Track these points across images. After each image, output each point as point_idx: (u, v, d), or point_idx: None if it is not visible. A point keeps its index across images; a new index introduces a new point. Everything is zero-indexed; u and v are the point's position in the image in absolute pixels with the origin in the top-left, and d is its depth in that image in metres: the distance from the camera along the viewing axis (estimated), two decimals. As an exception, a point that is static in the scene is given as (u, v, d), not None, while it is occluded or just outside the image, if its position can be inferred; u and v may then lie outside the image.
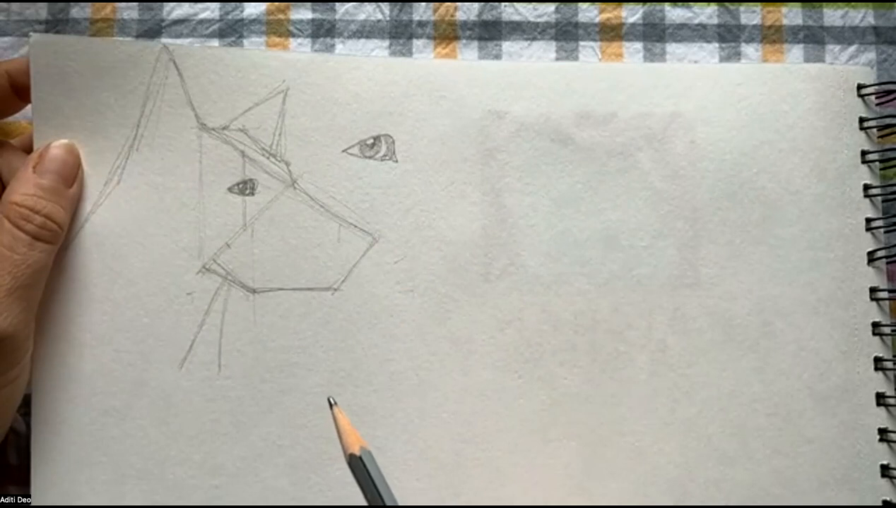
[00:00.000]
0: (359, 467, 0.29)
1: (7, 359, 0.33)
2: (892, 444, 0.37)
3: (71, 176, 0.35)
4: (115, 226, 0.37)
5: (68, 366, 0.36)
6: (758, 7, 0.41)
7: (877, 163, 0.39)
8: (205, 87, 0.37)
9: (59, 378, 0.36)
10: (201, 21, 0.40)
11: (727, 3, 0.41)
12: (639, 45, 0.40)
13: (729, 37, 0.40)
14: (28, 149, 0.36)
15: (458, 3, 0.40)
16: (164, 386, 0.36)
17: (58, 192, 0.34)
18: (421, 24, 0.40)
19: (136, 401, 0.36)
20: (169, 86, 0.37)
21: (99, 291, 0.36)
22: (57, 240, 0.35)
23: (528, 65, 0.39)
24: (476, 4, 0.40)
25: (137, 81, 0.37)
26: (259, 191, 0.37)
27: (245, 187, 0.37)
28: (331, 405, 0.31)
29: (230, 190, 0.37)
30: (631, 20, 0.40)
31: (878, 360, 0.37)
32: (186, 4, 0.40)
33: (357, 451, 0.29)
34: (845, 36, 0.40)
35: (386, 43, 0.40)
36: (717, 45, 0.40)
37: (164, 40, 0.39)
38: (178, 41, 0.39)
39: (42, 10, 0.40)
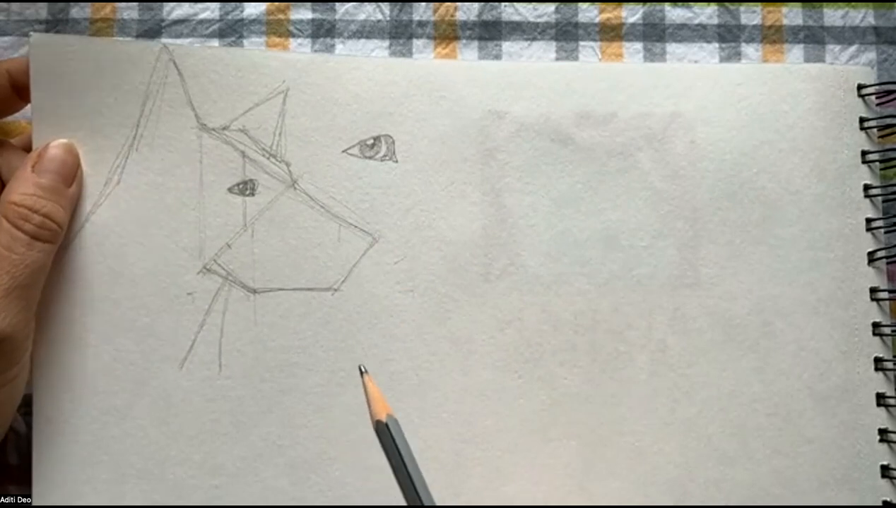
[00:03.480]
0: (385, 433, 0.29)
1: (6, 359, 0.33)
2: (893, 444, 0.37)
3: (70, 175, 0.35)
4: (115, 226, 0.37)
5: (70, 366, 0.36)
6: (758, 7, 0.41)
7: (877, 163, 0.39)
8: (205, 87, 0.37)
9: (60, 377, 0.36)
10: (201, 21, 0.40)
11: (727, 4, 0.41)
12: (639, 46, 0.40)
13: (729, 37, 0.40)
14: (28, 149, 0.36)
15: (458, 3, 0.40)
16: (165, 385, 0.36)
17: (57, 191, 0.34)
18: (421, 24, 0.40)
19: (137, 401, 0.36)
20: (169, 85, 0.37)
21: (100, 291, 0.36)
22: (56, 239, 0.35)
23: (528, 65, 0.39)
24: (476, 4, 0.40)
25: (137, 81, 0.37)
26: (259, 192, 0.37)
27: (245, 187, 0.37)
28: (361, 373, 0.31)
29: (230, 190, 0.37)
30: (631, 20, 0.40)
31: (878, 360, 0.37)
32: (186, 4, 0.40)
33: (384, 418, 0.29)
34: (845, 36, 0.40)
35: (386, 43, 0.40)
36: (717, 45, 0.40)
37: (164, 40, 0.39)
38: (178, 41, 0.39)
39: (42, 10, 0.40)
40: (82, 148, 0.36)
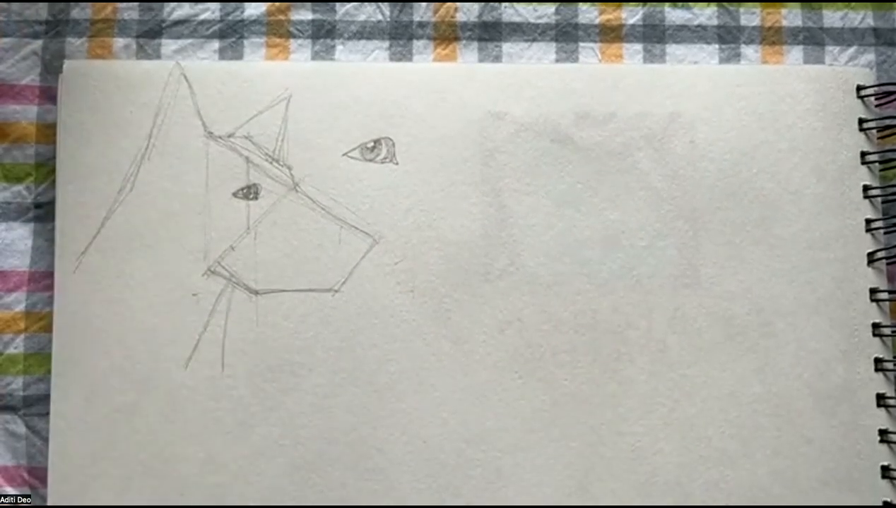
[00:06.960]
0: None
1: None
2: (893, 445, 0.37)
3: None
4: (127, 230, 0.37)
5: (85, 365, 0.37)
6: (757, 8, 0.41)
7: (876, 164, 0.39)
8: (212, 98, 0.38)
9: (75, 377, 0.36)
10: (202, 22, 0.40)
11: (727, 5, 0.41)
12: (638, 47, 0.40)
13: (729, 38, 0.41)
14: None
15: (459, 4, 0.40)
16: (170, 385, 0.37)
17: None
18: (421, 24, 0.40)
19: (144, 399, 0.37)
20: (180, 98, 0.38)
21: (113, 292, 0.37)
22: None
23: (527, 66, 0.39)
24: (476, 5, 0.40)
25: (151, 96, 0.38)
26: (262, 196, 0.38)
27: (249, 192, 0.38)
28: None
29: (235, 194, 0.38)
30: (631, 21, 0.40)
31: (878, 361, 0.37)
32: (187, 5, 0.40)
33: None
34: (845, 37, 0.41)
35: (386, 44, 0.40)
36: (716, 46, 0.40)
37: (165, 40, 0.40)
38: (179, 42, 0.39)
39: (42, 11, 0.40)
40: (100, 158, 0.37)
